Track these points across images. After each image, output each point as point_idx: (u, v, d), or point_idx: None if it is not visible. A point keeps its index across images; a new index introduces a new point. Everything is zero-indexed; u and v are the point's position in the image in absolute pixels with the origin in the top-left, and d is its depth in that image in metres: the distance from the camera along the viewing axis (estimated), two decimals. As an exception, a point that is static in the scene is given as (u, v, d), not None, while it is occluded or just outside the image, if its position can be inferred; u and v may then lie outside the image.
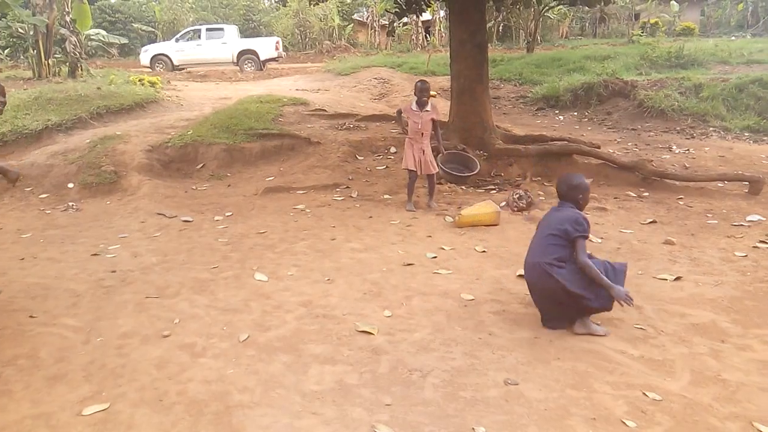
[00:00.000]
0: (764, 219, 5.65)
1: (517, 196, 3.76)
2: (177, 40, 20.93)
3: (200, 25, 23.84)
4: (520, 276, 4.29)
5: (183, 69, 20.23)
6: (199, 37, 20.83)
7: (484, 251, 4.91)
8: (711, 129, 11.00)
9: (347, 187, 7.12)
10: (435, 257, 4.74)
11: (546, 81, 15.12)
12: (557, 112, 13.61)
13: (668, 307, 3.78)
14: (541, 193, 6.85)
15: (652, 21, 29.54)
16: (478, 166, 7.43)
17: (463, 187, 7.16)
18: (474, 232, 5.42)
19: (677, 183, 6.91)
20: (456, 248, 4.97)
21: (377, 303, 3.88)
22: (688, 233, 5.30)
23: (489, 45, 28.09)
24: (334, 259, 4.69)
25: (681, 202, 6.34)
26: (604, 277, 3.31)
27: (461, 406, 2.71)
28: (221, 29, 21.50)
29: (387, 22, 24.40)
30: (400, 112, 6.37)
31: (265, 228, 5.55)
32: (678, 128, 11.17)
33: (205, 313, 3.77)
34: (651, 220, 5.69)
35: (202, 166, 8.08)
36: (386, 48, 26.71)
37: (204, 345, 3.35)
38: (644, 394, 2.78)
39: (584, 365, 3.06)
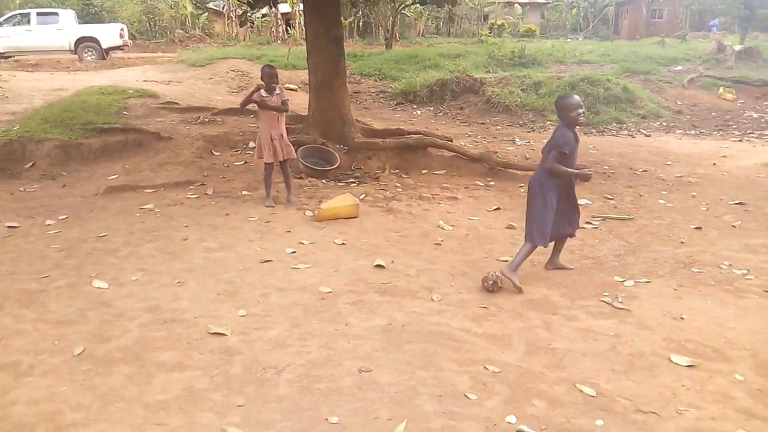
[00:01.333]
0: (590, 202, 6.34)
1: (491, 282, 4.03)
2: (1, 25, 18.51)
3: (30, 8, 21.27)
4: (377, 266, 4.41)
5: (10, 57, 17.97)
6: (29, 21, 18.60)
7: (343, 243, 4.95)
8: (549, 123, 12.11)
9: (202, 184, 6.79)
10: (294, 252, 4.69)
11: (404, 77, 15.63)
12: (415, 106, 14.15)
13: (507, 285, 4.09)
14: (399, 185, 7.07)
15: (499, 22, 31.84)
16: (338, 160, 7.49)
17: (324, 181, 7.16)
18: (334, 225, 5.45)
19: (519, 172, 7.51)
20: (315, 242, 4.96)
21: (232, 303, 3.75)
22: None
23: (350, 40, 28.22)
24: (186, 260, 4.45)
25: (522, 190, 6.87)
26: (570, 170, 4.01)
27: (316, 399, 2.71)
28: (55, 14, 19.39)
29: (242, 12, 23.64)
30: (259, 87, 6.09)
31: (106, 231, 5.11)
32: (521, 122, 12.18)
33: (33, 327, 3.38)
34: (496, 207, 6.13)
35: (31, 165, 7.23)
36: (245, 39, 25.90)
37: (31, 363, 3.00)
38: (485, 367, 2.99)
39: (433, 346, 3.21)
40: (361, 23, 29.11)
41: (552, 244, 4.30)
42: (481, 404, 2.68)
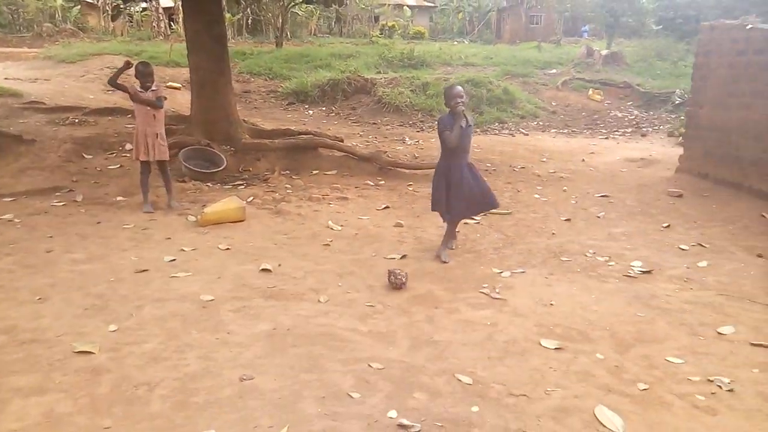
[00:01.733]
0: (473, 198, 6.63)
1: (393, 277, 4.04)
2: None
3: None
4: (264, 270, 4.31)
5: None
6: None
7: (228, 248, 4.79)
8: (437, 123, 12.53)
9: (70, 190, 6.28)
10: (174, 260, 4.46)
11: (295, 76, 15.47)
12: (307, 106, 14.06)
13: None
14: (289, 186, 6.97)
15: (390, 24, 32.41)
16: (225, 162, 7.24)
17: (209, 184, 6.90)
18: (219, 229, 5.26)
19: (408, 171, 7.70)
20: (198, 249, 4.76)
21: (101, 318, 3.49)
22: (415, 215, 5.94)
23: (239, 38, 27.32)
24: (49, 274, 4.08)
25: (410, 188, 7.07)
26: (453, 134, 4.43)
27: (192, 413, 2.59)
28: None
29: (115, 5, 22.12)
30: (128, 63, 5.71)
31: (-46, 246, 4.57)
32: (411, 122, 12.50)
33: None
34: (385, 206, 6.24)
35: None
36: (122, 34, 24.31)
37: None
38: (369, 365, 3.02)
39: (319, 348, 3.19)
40: (250, 21, 28.38)
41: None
42: (364, 402, 2.69)
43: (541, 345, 3.30)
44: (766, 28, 6.28)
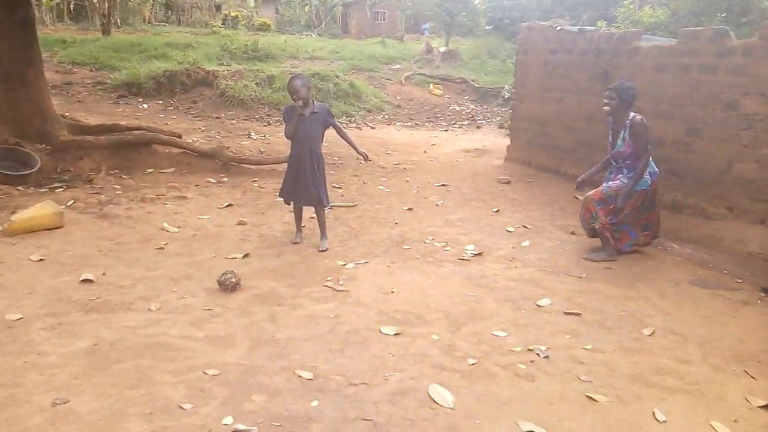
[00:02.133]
0: (319, 192, 6.62)
1: (223, 279, 3.67)
2: None
3: None
4: (85, 281, 3.89)
5: None
6: None
7: (41, 259, 4.25)
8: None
9: None
10: (-30, 277, 3.86)
11: (126, 67, 14.27)
12: (141, 100, 13.02)
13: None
14: (118, 186, 6.38)
15: (233, 14, 31.25)
16: (39, 162, 6.43)
17: (21, 187, 6.07)
18: (31, 238, 4.65)
19: (253, 167, 7.47)
20: (4, 262, 4.16)
21: None
22: (259, 212, 5.78)
23: (60, 24, 24.54)
24: None
25: (256, 184, 6.87)
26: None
27: (-12, 452, 2.25)
28: None
29: None
30: None
31: None
32: (257, 116, 12.15)
33: None
34: (228, 203, 5.98)
35: None
36: None
37: None
38: (204, 372, 2.86)
39: (147, 360, 2.95)
40: (72, 6, 25.62)
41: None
42: (196, 412, 2.54)
43: (381, 332, 3.38)
44: (573, 30, 7.06)
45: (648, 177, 4.66)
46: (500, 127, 12.50)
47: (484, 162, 8.86)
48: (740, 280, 4.41)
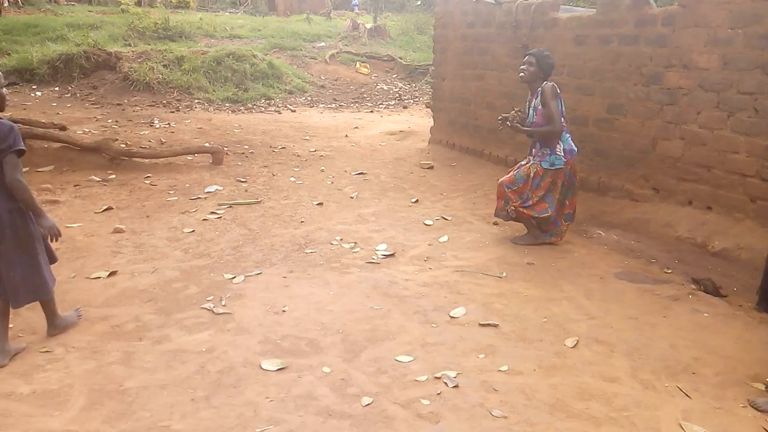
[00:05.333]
0: (221, 188, 5.92)
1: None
2: None
3: None
4: None
5: None
6: None
7: None
8: (196, 101, 11.38)
9: None
10: None
11: (18, 51, 12.81)
12: (35, 87, 11.72)
13: (93, 312, 3.32)
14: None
15: (149, -8, 29.14)
16: None
17: None
18: None
19: (146, 161, 6.64)
20: None
21: None
22: (144, 216, 5.02)
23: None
24: None
25: (148, 181, 6.07)
26: (38, 203, 2.91)
27: None
28: None
29: None
30: None
31: None
32: (164, 101, 11.14)
33: None
34: (106, 207, 5.18)
35: None
36: None
37: None
38: (14, 451, 2.20)
39: (-61, 438, 2.26)
40: (-40, -18, 23.04)
41: None
42: None
43: (261, 368, 2.80)
44: (490, 2, 6.58)
45: (562, 154, 4.28)
46: (427, 107, 11.99)
47: (408, 145, 8.33)
48: (669, 270, 4.09)
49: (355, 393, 2.62)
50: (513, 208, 4.42)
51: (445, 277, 3.91)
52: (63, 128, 7.40)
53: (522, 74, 4.30)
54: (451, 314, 3.37)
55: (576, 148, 4.40)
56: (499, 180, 4.53)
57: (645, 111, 4.95)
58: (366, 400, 2.56)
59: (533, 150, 4.46)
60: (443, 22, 7.51)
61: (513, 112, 4.43)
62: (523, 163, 4.53)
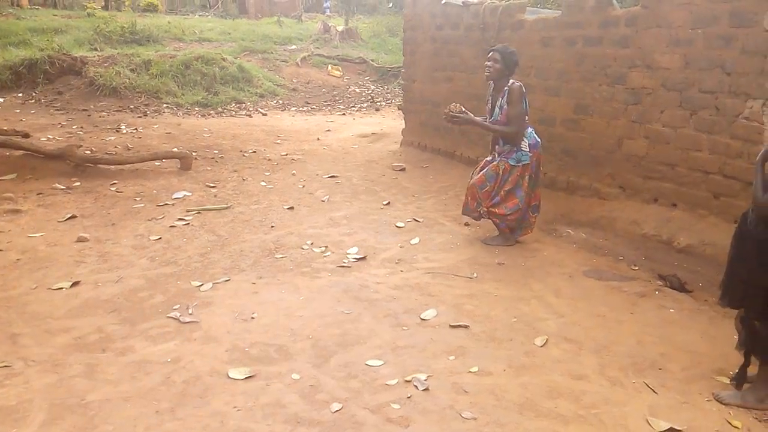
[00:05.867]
0: (190, 194, 5.82)
1: None
2: None
3: None
4: None
5: None
6: None
7: None
8: (165, 105, 11.20)
9: None
10: None
11: (-23, 56, 12.45)
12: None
13: (54, 324, 3.22)
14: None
15: (116, -5, 28.66)
16: None
17: None
18: None
19: (112, 167, 6.50)
20: None
21: None
22: (109, 224, 4.90)
23: None
24: None
25: (113, 188, 5.93)
26: None
27: None
28: None
29: None
30: None
31: None
32: (132, 106, 10.93)
33: None
34: (70, 215, 5.05)
35: None
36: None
37: None
38: (-33, 472, 2.12)
39: None
40: None
41: None
42: None
43: (228, 377, 2.74)
44: (458, 4, 6.61)
45: (527, 150, 4.32)
46: (399, 109, 11.98)
47: (380, 148, 8.33)
48: (636, 267, 4.15)
49: (324, 399, 2.59)
50: (485, 209, 4.44)
51: (416, 279, 3.91)
52: (26, 135, 7.24)
53: (487, 72, 4.31)
54: (422, 316, 3.37)
55: (540, 140, 4.44)
56: (471, 182, 4.55)
57: (611, 111, 5.02)
58: (335, 406, 2.53)
59: (497, 147, 4.49)
60: (412, 24, 7.53)
61: (453, 105, 4.39)
62: (489, 159, 4.54)
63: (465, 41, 6.52)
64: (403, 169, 6.92)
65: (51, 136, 8.08)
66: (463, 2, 6.41)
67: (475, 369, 2.84)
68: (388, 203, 5.64)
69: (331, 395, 2.62)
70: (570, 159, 5.47)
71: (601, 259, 4.31)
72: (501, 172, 4.39)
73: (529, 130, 4.37)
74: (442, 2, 6.76)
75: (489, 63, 4.28)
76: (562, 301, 3.60)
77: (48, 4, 29.61)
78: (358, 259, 4.23)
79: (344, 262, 4.16)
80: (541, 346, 3.06)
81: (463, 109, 4.37)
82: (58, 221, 4.94)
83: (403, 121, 8.27)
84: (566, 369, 2.86)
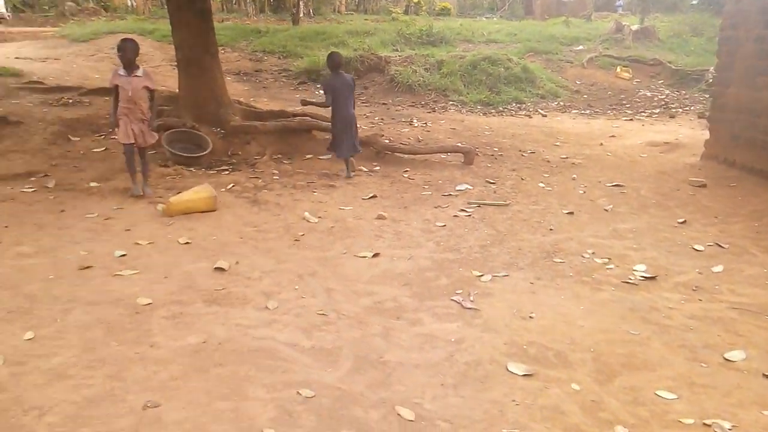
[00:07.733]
0: (471, 187, 6.10)
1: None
2: None
3: None
4: (218, 269, 3.91)
5: None
6: None
7: (187, 243, 4.41)
8: (450, 103, 11.91)
9: (46, 175, 5.97)
10: (124, 255, 4.11)
11: (308, 55, 14.98)
12: (318, 86, 13.55)
13: (359, 287, 3.73)
14: (276, 171, 6.53)
15: (415, 0, 31.39)
16: (210, 145, 6.85)
17: (192, 169, 6.52)
18: (185, 220, 4.88)
19: (405, 156, 7.19)
20: (155, 242, 4.39)
21: (21, 323, 3.15)
22: (402, 206, 5.45)
23: (261, 15, 26.72)
24: (-17, 271, 3.77)
25: (406, 175, 6.57)
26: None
27: (73, 451, 2.22)
28: None
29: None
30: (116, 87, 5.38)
31: None
32: (423, 102, 11.89)
33: None
34: (372, 195, 5.76)
35: None
36: (144, 12, 24.10)
37: None
38: (298, 392, 2.59)
39: (246, 368, 2.78)
40: (271, -2, 27.85)
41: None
42: (277, 443, 2.28)
43: (507, 370, 2.81)
44: (808, -3, 5.51)
45: None
46: (700, 118, 10.60)
47: (674, 159, 7.49)
48: None
49: (607, 419, 2.47)
50: None
51: (719, 312, 3.43)
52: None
53: None
54: (726, 356, 2.94)
55: None
56: None
57: None
58: (620, 429, 2.39)
59: None
60: (733, 22, 6.53)
61: None
62: None
63: (812, 41, 5.40)
64: (703, 185, 6.11)
65: (359, 125, 9.28)
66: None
67: (797, 433, 2.37)
68: (684, 221, 5.06)
69: (615, 417, 2.48)
70: None
71: None
72: None
73: None
74: (786, -5, 5.71)
75: None
76: None
77: (360, 10, 34.09)
78: (647, 278, 3.89)
79: (630, 279, 3.88)
80: None
81: None
82: (362, 198, 5.68)
83: (707, 131, 7.29)
84: None
